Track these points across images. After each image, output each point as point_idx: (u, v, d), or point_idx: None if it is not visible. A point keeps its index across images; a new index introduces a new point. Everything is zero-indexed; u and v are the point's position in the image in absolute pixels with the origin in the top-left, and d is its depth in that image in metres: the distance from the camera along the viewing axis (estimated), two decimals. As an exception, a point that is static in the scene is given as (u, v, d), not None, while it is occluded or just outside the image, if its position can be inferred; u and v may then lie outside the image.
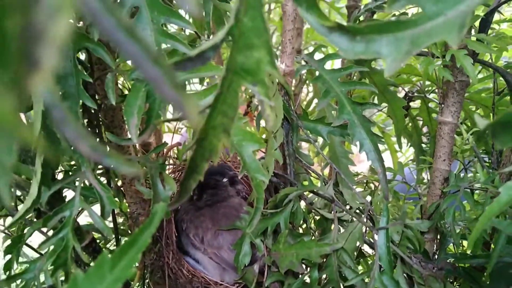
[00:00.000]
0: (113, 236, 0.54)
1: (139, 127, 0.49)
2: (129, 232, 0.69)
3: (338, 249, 0.60)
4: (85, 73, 0.48)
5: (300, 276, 0.62)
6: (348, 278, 0.59)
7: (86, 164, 0.49)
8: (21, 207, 0.49)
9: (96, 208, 0.55)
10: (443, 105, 0.74)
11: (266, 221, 0.66)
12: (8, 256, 0.68)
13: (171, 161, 0.84)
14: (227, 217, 0.75)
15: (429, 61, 0.72)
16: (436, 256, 0.77)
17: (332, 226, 0.74)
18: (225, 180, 0.81)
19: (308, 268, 0.62)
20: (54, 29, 0.13)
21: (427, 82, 0.99)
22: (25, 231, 0.71)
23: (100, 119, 0.70)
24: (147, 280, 0.72)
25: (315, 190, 0.65)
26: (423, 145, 1.02)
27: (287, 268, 0.61)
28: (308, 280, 0.62)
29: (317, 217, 0.77)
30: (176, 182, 0.68)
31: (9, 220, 0.72)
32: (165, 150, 0.72)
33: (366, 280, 0.61)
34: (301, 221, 0.66)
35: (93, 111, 0.62)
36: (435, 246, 0.78)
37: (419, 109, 0.99)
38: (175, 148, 0.81)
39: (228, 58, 0.21)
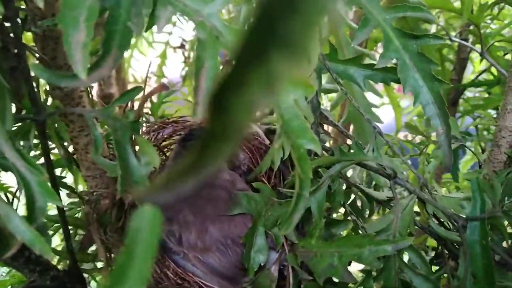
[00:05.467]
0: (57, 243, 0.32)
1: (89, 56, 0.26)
2: (87, 222, 0.46)
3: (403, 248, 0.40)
4: None
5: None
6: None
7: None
8: None
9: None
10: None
11: (287, 206, 0.45)
12: None
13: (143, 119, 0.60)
14: (214, 201, 0.51)
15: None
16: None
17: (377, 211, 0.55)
18: None
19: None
20: None
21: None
22: None
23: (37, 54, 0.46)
24: None
25: (364, 162, 0.45)
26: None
27: (325, 276, 0.42)
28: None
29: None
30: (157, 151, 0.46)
31: None
32: (135, 102, 0.49)
33: None
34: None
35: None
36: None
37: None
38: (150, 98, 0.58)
39: None
